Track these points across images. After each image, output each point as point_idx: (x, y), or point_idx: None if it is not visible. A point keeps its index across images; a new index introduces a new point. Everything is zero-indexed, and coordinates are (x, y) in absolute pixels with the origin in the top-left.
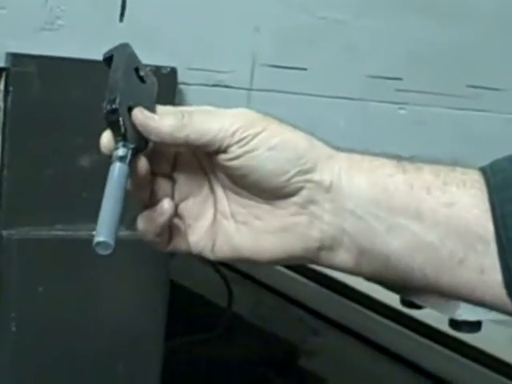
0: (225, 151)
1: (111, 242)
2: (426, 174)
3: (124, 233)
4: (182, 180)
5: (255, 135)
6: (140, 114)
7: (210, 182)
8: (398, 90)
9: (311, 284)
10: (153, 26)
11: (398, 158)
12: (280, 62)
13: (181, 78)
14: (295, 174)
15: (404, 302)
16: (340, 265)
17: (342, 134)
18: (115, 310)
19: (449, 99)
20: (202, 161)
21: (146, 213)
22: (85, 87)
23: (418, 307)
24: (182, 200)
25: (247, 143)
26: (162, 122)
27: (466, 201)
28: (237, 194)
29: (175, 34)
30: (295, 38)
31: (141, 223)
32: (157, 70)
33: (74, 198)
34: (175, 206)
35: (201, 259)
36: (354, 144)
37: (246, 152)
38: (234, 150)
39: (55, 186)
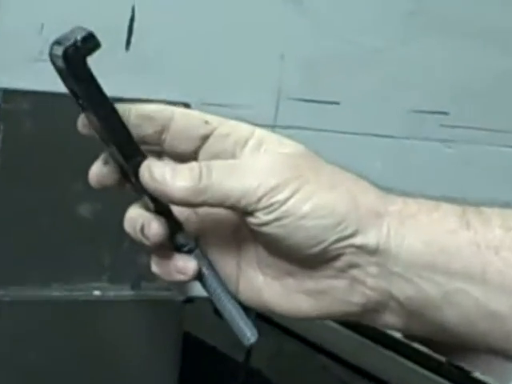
0: (250, 214)
1: (257, 335)
2: (495, 228)
3: (127, 293)
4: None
5: (284, 201)
6: (147, 174)
7: (233, 221)
8: (443, 126)
9: (339, 328)
10: (163, 56)
11: (462, 203)
12: (308, 95)
13: None
14: (332, 243)
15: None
16: (386, 325)
17: (379, 177)
18: (120, 373)
19: (500, 136)
20: None
21: (158, 259)
22: None
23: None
24: (200, 232)
25: (275, 210)
26: (175, 183)
27: None
28: (267, 247)
29: (188, 64)
30: (326, 68)
31: (156, 268)
32: None
33: (71, 252)
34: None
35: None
36: (393, 188)
37: (274, 220)
38: (260, 217)
39: (50, 239)
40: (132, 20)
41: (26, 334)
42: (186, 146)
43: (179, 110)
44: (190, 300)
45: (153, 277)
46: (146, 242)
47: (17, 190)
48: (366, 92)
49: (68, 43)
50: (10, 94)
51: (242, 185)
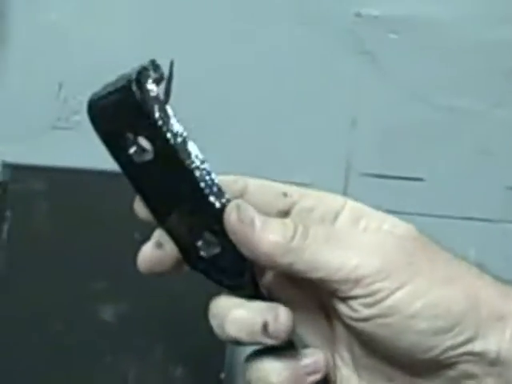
0: (345, 301)
1: None
2: None
3: None
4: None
5: (390, 293)
6: (235, 214)
7: (326, 309)
8: None
9: None
10: (206, 121)
11: None
12: (384, 170)
13: None
14: (446, 350)
15: None
16: None
17: None
18: None
19: None
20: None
21: (286, 363)
22: (111, 211)
23: None
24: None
25: (376, 303)
26: (264, 234)
27: None
28: (364, 346)
29: (237, 130)
30: (406, 136)
31: (284, 376)
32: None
33: (90, 364)
34: None
35: None
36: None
37: (375, 316)
38: (358, 309)
39: (65, 349)
40: (170, 78)
41: None
42: None
43: (254, 181)
44: None
45: None
46: (271, 342)
47: (25, 290)
48: (455, 166)
49: (134, 74)
50: (20, 170)
51: (341, 257)
